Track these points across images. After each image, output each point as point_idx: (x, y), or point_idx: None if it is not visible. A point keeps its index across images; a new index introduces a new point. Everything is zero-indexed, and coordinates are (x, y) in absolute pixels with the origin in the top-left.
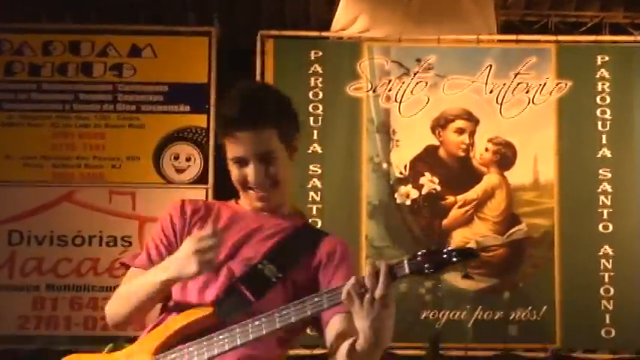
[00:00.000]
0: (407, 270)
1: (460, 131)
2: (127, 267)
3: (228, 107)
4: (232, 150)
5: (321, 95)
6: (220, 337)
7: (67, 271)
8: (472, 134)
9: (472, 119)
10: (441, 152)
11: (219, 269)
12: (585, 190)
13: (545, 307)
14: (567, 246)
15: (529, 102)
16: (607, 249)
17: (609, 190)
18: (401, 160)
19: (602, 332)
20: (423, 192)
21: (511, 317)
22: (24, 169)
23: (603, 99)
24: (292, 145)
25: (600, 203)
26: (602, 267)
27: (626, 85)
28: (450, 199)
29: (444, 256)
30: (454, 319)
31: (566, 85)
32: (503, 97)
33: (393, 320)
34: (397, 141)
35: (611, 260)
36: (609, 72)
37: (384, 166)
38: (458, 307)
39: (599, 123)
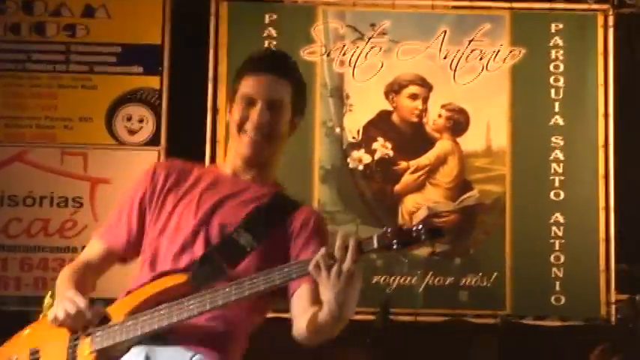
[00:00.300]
0: (375, 245)
1: (414, 97)
2: None
3: (257, 53)
4: (246, 88)
5: None
6: (191, 301)
7: (18, 231)
8: (425, 100)
9: (426, 85)
10: (395, 117)
11: (195, 234)
12: (537, 157)
13: (495, 274)
14: (518, 213)
15: (483, 69)
16: (558, 216)
17: (561, 157)
18: (354, 124)
19: (552, 299)
20: (376, 157)
21: (461, 283)
22: None
23: (557, 67)
24: (294, 120)
25: (552, 171)
26: (552, 234)
27: (579, 54)
28: (403, 164)
29: (413, 234)
30: (405, 284)
31: (519, 52)
32: (457, 63)
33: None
34: (350, 105)
35: (562, 228)
36: (563, 40)
37: (337, 130)
38: (409, 272)
39: (552, 91)
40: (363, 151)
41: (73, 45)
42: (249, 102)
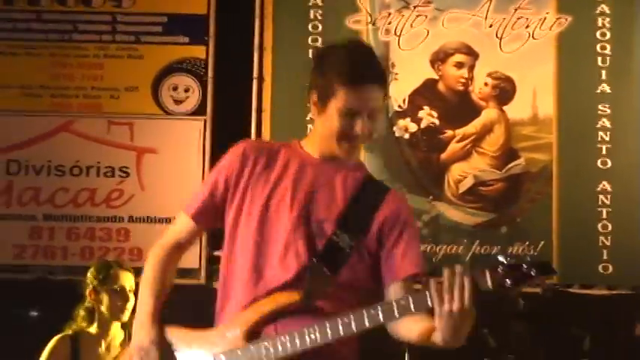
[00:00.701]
0: (490, 286)
1: (459, 65)
2: None
3: (353, 60)
4: (347, 100)
5: (320, 28)
6: (312, 332)
7: (65, 201)
8: (471, 68)
9: (471, 53)
10: (440, 86)
11: (295, 232)
12: (584, 125)
13: (542, 242)
14: (565, 181)
15: (529, 37)
16: (605, 185)
17: (608, 125)
18: (400, 93)
19: (600, 268)
20: (422, 125)
21: (508, 252)
22: (22, 99)
23: (603, 34)
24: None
25: (599, 139)
26: (600, 202)
27: (626, 21)
28: (449, 133)
29: (524, 270)
30: (451, 253)
31: (566, 20)
32: (503, 31)
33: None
34: (396, 74)
35: (609, 196)
36: (609, 7)
37: None
38: (455, 241)
39: (599, 59)
40: (409, 119)
41: (119, 15)
42: (352, 114)
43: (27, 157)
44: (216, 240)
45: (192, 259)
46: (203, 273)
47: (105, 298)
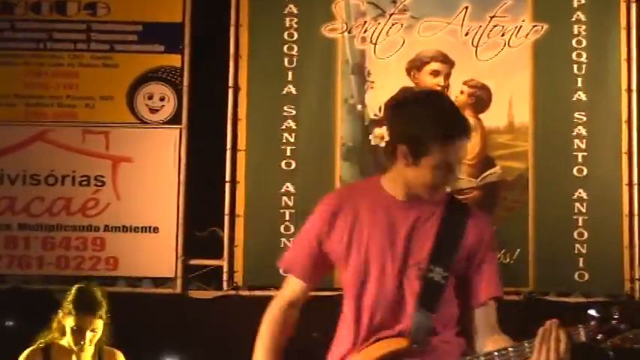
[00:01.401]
0: (583, 339)
1: (435, 73)
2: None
3: (446, 120)
4: (443, 157)
5: (295, 36)
6: None
7: (40, 210)
8: (447, 76)
9: (447, 61)
10: None
11: (396, 280)
12: (560, 133)
13: (518, 250)
14: (541, 189)
15: (505, 45)
16: (581, 192)
17: (584, 133)
18: (376, 101)
19: (576, 275)
20: None
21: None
22: None
23: (579, 42)
24: None
25: (575, 147)
26: (576, 210)
27: (602, 29)
28: None
29: (615, 326)
30: None
31: (542, 27)
32: (479, 39)
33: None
34: (372, 82)
35: (584, 204)
36: (585, 15)
37: (359, 107)
38: None
39: (575, 66)
40: (384, 127)
41: (93, 24)
42: (447, 167)
43: (2, 166)
44: (192, 249)
45: (168, 268)
46: (179, 282)
47: (68, 322)
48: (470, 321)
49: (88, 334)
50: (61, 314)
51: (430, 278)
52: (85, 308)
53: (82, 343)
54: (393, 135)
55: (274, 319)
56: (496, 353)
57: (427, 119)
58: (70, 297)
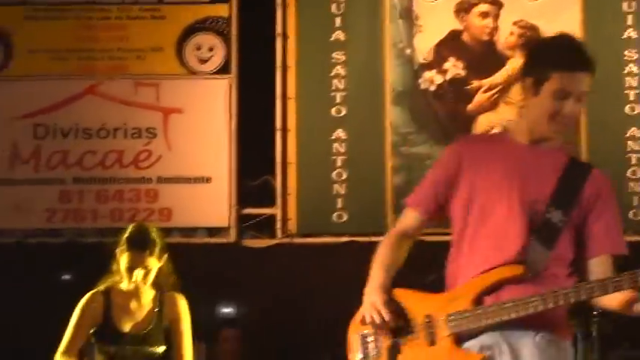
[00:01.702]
0: None
1: (484, 15)
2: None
3: (568, 49)
4: (561, 83)
5: None
6: (534, 300)
7: (93, 163)
8: (496, 18)
9: (496, 2)
10: (465, 37)
11: (518, 213)
12: (610, 71)
13: None
14: (594, 128)
15: None
16: (634, 131)
17: (635, 71)
18: (425, 45)
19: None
20: (448, 77)
21: None
22: (49, 63)
23: None
24: None
25: (626, 85)
26: (628, 149)
27: None
28: (475, 83)
29: None
30: None
31: None
32: None
33: None
34: (420, 26)
35: (638, 142)
36: None
37: (408, 51)
38: None
39: (625, 4)
40: (434, 71)
41: None
42: (563, 96)
43: (54, 120)
44: (245, 198)
45: (221, 217)
46: (232, 231)
47: (122, 261)
48: (584, 271)
49: (140, 272)
50: (118, 253)
51: (548, 219)
52: (137, 245)
53: (134, 280)
54: (522, 73)
55: (391, 242)
56: (609, 280)
57: (553, 51)
58: (125, 234)
